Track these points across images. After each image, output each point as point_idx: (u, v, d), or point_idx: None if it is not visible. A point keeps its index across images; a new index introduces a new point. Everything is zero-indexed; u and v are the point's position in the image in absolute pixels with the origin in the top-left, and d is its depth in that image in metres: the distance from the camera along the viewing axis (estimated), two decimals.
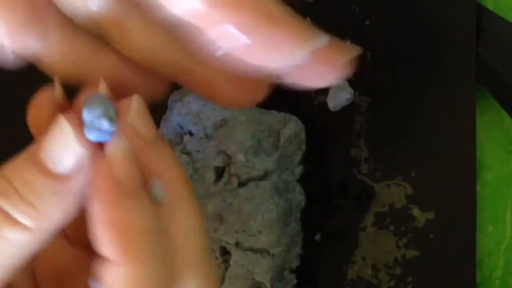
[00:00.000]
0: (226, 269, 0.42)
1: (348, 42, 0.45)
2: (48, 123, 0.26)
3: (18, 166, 0.25)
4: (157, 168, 0.25)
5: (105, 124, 0.24)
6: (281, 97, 0.45)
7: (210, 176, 0.43)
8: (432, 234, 0.44)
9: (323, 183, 0.45)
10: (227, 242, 0.42)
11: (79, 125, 0.24)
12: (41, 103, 0.27)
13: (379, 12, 0.45)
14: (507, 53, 0.44)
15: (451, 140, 0.44)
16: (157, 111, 0.44)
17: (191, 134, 0.43)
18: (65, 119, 0.24)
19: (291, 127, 0.44)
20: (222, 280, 0.42)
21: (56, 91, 0.27)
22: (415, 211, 0.44)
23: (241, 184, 0.42)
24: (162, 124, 0.44)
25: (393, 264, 0.44)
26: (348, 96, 0.44)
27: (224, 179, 0.42)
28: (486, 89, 0.45)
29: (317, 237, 0.45)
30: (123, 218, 0.24)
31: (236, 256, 0.42)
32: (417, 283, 0.44)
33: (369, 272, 0.44)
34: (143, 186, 0.25)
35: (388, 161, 0.44)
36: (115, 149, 0.24)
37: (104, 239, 0.24)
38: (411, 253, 0.44)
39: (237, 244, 0.42)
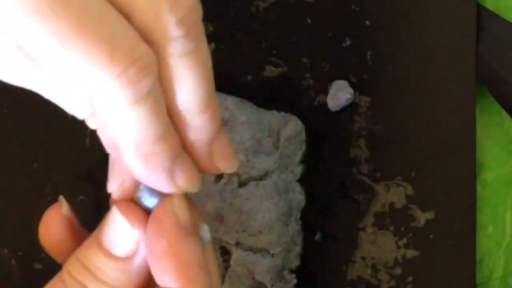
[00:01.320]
0: (226, 269, 0.42)
1: (348, 42, 0.45)
2: (59, 237, 0.31)
3: (87, 250, 0.29)
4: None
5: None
6: (281, 97, 0.45)
7: (210, 176, 0.43)
8: (432, 234, 0.44)
9: (323, 183, 0.45)
10: (227, 242, 0.42)
11: (131, 210, 0.29)
12: (50, 220, 0.32)
13: (379, 12, 0.45)
14: (507, 53, 0.44)
15: (451, 140, 0.44)
16: None
17: None
18: (118, 210, 0.29)
19: (291, 127, 0.44)
20: (222, 280, 0.42)
21: (63, 207, 0.32)
22: (415, 211, 0.44)
23: (241, 184, 0.42)
24: None
25: (393, 264, 0.44)
26: (348, 96, 0.44)
27: (224, 179, 0.42)
28: (486, 89, 0.45)
29: (317, 237, 0.45)
30: (184, 252, 0.28)
31: (236, 256, 0.42)
32: (417, 283, 0.44)
33: (369, 272, 0.44)
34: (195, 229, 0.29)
35: (388, 161, 0.44)
36: (178, 199, 0.29)
37: (167, 270, 0.28)
38: (411, 253, 0.44)
39: (237, 244, 0.42)
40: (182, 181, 0.29)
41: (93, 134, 0.46)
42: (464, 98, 0.44)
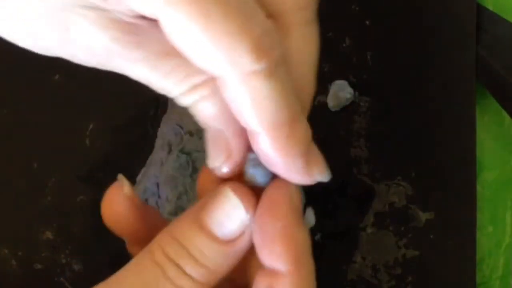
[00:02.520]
0: None
1: (348, 42, 0.45)
2: (122, 215, 0.30)
3: (187, 230, 0.28)
4: None
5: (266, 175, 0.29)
6: None
7: None
8: (432, 234, 0.44)
9: (323, 183, 0.45)
10: None
11: (245, 193, 0.28)
12: (112, 199, 0.31)
13: (379, 12, 0.45)
14: (507, 53, 0.44)
15: (451, 140, 0.44)
16: (158, 111, 0.44)
17: (191, 134, 0.43)
18: (231, 189, 0.28)
19: None
20: None
21: (125, 188, 0.31)
22: (415, 211, 0.44)
23: None
24: (162, 123, 0.44)
25: (393, 264, 0.44)
26: (348, 96, 0.44)
27: None
28: (486, 89, 0.45)
29: (317, 237, 0.45)
30: (298, 237, 0.28)
31: None
32: (417, 283, 0.44)
33: (369, 272, 0.44)
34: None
35: (388, 161, 0.44)
36: (293, 185, 0.29)
37: (280, 253, 0.28)
38: (411, 253, 0.44)
39: None
40: (317, 169, 0.29)
41: (93, 134, 0.46)
42: (464, 98, 0.44)
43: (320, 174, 0.29)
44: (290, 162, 0.27)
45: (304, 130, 0.28)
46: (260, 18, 0.25)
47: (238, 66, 0.25)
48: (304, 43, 0.28)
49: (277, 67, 0.26)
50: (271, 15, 0.27)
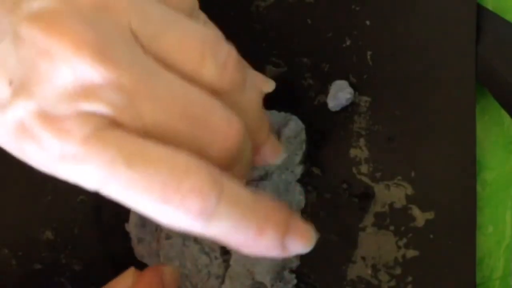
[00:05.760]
0: (226, 269, 0.42)
1: (348, 42, 0.45)
2: None
3: None
4: None
5: None
6: (281, 97, 0.45)
7: None
8: (432, 234, 0.44)
9: (323, 183, 0.45)
10: None
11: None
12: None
13: (379, 12, 0.45)
14: (507, 53, 0.44)
15: (451, 140, 0.44)
16: None
17: None
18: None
19: (291, 127, 0.44)
20: (222, 280, 0.42)
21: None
22: (415, 211, 0.44)
23: None
24: None
25: (393, 264, 0.44)
26: (348, 96, 0.44)
27: None
28: (486, 89, 0.45)
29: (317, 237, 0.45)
30: None
31: (236, 256, 0.42)
32: (417, 283, 0.44)
33: (369, 272, 0.44)
34: None
35: (388, 161, 0.44)
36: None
37: None
38: (411, 253, 0.44)
39: None
40: (296, 248, 0.29)
41: None
42: (464, 98, 0.44)
43: (302, 249, 0.29)
44: (266, 253, 0.28)
45: (274, 230, 0.28)
46: (175, 178, 0.25)
47: (172, 222, 0.26)
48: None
49: (217, 204, 0.25)
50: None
